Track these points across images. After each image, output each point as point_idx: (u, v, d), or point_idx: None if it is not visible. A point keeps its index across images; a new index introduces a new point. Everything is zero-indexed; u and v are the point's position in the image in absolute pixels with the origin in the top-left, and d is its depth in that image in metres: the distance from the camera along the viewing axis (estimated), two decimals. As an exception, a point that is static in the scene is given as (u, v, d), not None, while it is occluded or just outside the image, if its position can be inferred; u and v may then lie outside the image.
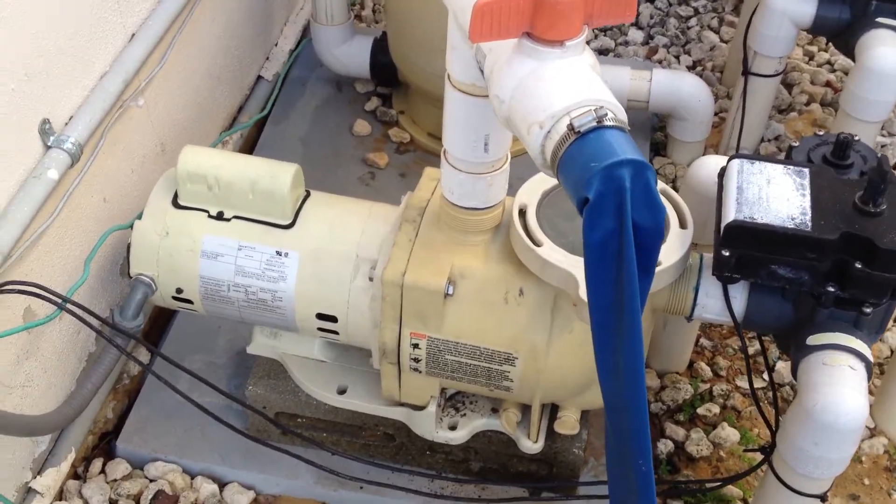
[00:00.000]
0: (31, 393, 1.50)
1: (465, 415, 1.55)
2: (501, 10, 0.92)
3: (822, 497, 1.36)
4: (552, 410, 1.53)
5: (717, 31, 2.73)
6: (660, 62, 2.62)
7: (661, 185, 1.27)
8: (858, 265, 1.26)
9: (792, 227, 1.27)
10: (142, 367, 1.62)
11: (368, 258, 1.43)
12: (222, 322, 1.77)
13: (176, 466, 1.65)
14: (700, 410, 1.81)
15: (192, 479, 1.64)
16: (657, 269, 1.16)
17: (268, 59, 2.36)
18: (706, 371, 1.88)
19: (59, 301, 1.40)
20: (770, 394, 1.84)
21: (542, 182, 1.39)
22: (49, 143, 1.42)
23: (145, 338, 1.76)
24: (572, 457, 1.57)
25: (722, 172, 1.39)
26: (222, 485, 1.64)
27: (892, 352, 1.93)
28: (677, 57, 2.65)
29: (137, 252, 1.48)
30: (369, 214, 1.48)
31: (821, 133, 1.48)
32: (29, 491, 1.55)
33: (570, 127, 0.90)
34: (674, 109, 2.20)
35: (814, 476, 1.32)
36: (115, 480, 1.63)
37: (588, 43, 1.03)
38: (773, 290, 1.35)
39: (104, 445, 1.69)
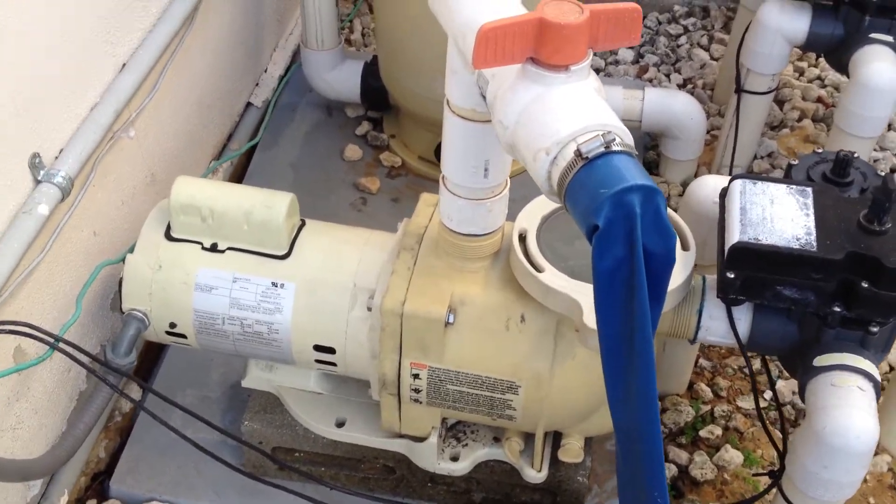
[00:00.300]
0: (21, 435, 1.46)
1: (466, 445, 1.53)
2: (506, 35, 0.90)
3: (834, 520, 1.34)
4: (555, 438, 1.50)
5: (706, 49, 2.72)
6: (650, 81, 2.61)
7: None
8: (865, 284, 1.24)
9: (797, 247, 1.25)
10: (134, 403, 1.58)
11: (366, 287, 1.40)
12: (215, 355, 1.74)
13: (171, 505, 1.61)
14: (702, 433, 1.79)
15: (188, 517, 1.61)
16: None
17: (257, 85, 2.34)
18: (706, 392, 1.86)
19: (52, 341, 1.36)
20: (771, 412, 1.82)
21: (541, 206, 1.37)
22: (39, 178, 1.39)
23: (136, 373, 1.72)
24: (577, 485, 1.54)
25: (724, 193, 1.38)
26: (219, 522, 1.60)
27: (891, 368, 1.92)
28: (668, 75, 2.64)
29: (130, 287, 1.45)
30: (366, 243, 1.46)
31: (819, 151, 1.47)
32: (22, 536, 1.51)
33: (578, 153, 0.88)
34: (666, 128, 2.19)
35: (824, 500, 1.30)
36: (110, 521, 1.59)
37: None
38: (777, 311, 1.33)
39: (97, 486, 1.65)
